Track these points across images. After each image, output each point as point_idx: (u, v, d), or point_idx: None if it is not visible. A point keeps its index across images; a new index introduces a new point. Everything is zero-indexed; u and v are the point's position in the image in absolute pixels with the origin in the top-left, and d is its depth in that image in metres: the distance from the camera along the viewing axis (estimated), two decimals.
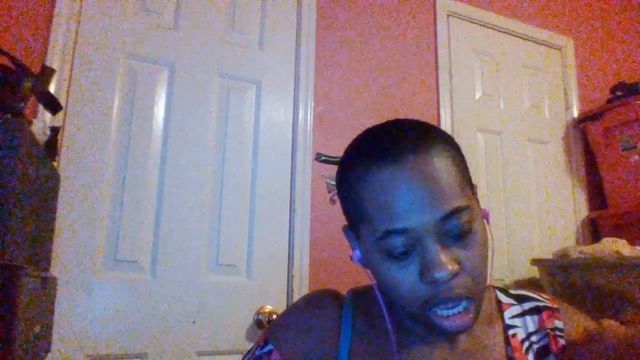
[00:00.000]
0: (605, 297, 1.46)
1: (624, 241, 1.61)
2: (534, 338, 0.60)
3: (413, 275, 0.49)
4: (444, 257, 0.47)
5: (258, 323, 1.45)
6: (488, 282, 0.56)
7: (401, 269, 0.49)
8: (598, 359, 0.52)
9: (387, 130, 0.54)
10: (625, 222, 1.97)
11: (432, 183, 0.48)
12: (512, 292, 0.66)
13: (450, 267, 0.47)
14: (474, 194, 0.56)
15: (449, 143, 0.53)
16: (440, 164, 0.49)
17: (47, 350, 1.14)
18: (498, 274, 1.92)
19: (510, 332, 0.60)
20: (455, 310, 0.49)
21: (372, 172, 0.50)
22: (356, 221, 0.54)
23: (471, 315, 0.49)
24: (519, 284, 1.94)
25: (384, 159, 0.50)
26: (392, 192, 0.48)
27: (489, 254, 0.53)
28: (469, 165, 0.56)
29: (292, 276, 1.54)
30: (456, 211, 0.48)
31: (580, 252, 1.62)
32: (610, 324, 0.55)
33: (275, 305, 1.49)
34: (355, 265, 0.57)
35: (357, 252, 0.56)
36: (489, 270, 0.52)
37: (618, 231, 1.97)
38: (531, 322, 0.61)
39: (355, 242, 0.57)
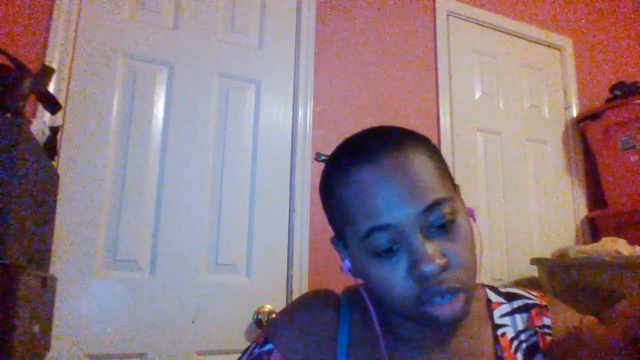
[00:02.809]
0: (605, 297, 1.46)
1: (624, 241, 1.61)
2: (522, 336, 0.60)
3: (402, 273, 0.49)
4: (430, 249, 0.48)
5: (257, 322, 1.45)
6: (479, 281, 0.56)
7: (389, 267, 0.50)
8: (576, 356, 0.53)
9: (363, 136, 0.56)
10: (625, 222, 1.96)
11: (411, 178, 0.50)
12: (502, 290, 0.65)
13: (437, 260, 0.47)
14: (457, 193, 0.57)
15: (426, 143, 0.55)
16: (418, 161, 0.51)
17: (47, 350, 1.14)
18: (498, 274, 1.92)
19: (500, 331, 0.60)
20: (445, 299, 0.49)
21: (351, 175, 0.52)
22: (341, 227, 0.55)
23: (461, 304, 0.49)
24: (519, 284, 1.94)
25: (361, 160, 0.52)
26: (372, 191, 0.50)
27: (477, 251, 0.53)
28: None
29: (292, 276, 1.54)
30: (437, 202, 0.49)
31: (579, 252, 1.62)
32: (589, 321, 0.56)
33: (274, 304, 1.49)
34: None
35: (347, 262, 0.57)
36: (478, 267, 0.53)
37: (618, 231, 1.96)
38: (520, 321, 0.61)
39: (344, 252, 0.57)
